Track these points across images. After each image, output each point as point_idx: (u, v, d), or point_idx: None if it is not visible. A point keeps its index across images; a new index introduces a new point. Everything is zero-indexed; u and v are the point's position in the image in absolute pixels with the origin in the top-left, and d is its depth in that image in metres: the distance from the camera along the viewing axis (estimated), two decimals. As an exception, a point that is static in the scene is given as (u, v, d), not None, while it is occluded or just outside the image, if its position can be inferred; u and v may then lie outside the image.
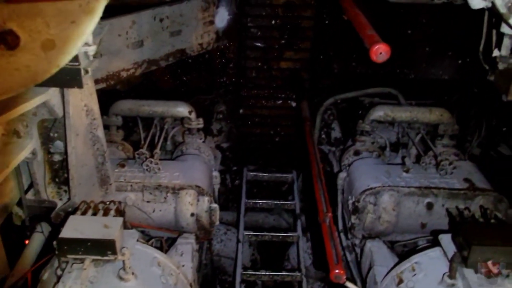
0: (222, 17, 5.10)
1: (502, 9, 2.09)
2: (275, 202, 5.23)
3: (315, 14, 5.31)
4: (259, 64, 5.61)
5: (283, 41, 5.51)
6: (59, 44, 1.38)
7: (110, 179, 3.70)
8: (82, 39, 1.72)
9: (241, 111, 5.82)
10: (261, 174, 5.62)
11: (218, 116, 5.60)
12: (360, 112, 5.28)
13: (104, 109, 4.55)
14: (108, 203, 3.24)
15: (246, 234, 4.74)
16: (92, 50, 2.47)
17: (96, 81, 4.14)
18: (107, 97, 5.11)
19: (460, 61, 5.44)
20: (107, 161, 3.61)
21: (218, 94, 5.70)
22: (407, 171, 4.04)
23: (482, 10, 2.33)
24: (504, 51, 2.42)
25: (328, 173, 5.02)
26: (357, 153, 4.48)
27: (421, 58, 5.55)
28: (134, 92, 5.71)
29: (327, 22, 5.37)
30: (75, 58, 2.41)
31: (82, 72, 2.51)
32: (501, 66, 2.43)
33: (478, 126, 5.12)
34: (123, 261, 2.87)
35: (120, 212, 3.22)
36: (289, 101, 5.77)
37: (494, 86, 2.61)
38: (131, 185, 3.86)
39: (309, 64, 5.55)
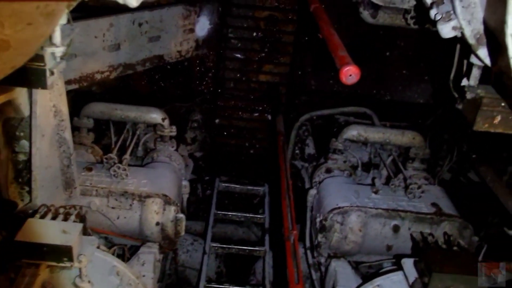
0: (203, 26, 5.08)
1: (471, 40, 2.11)
2: (245, 215, 5.19)
3: (295, 30, 5.33)
4: (238, 75, 5.59)
5: (263, 54, 5.51)
6: (14, 45, 1.33)
7: (75, 182, 3.62)
8: (40, 42, 1.67)
9: (217, 121, 5.79)
10: (233, 185, 5.58)
11: (193, 125, 5.55)
12: (335, 129, 5.28)
13: (77, 110, 4.49)
14: (69, 207, 3.17)
15: (213, 246, 4.69)
16: (59, 51, 2.41)
17: (69, 82, 4.07)
18: (81, 97, 5.04)
19: (435, 86, 5.51)
20: (73, 164, 3.53)
21: (194, 103, 5.66)
22: (376, 192, 4.05)
23: (455, 38, 2.35)
24: (473, 81, 2.44)
25: (299, 189, 5.01)
26: (328, 171, 4.48)
27: (398, 80, 5.60)
28: (110, 95, 5.63)
29: (306, 38, 5.39)
30: (41, 59, 2.36)
31: (48, 73, 2.45)
32: (469, 96, 2.45)
33: (449, 151, 5.16)
34: (80, 269, 2.81)
35: (81, 218, 3.15)
36: (265, 114, 5.76)
37: (462, 115, 2.63)
38: (97, 190, 3.78)
39: (287, 79, 5.56)
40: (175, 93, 5.77)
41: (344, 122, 5.26)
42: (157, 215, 3.77)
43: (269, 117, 5.71)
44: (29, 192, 3.44)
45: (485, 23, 2.01)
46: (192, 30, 4.97)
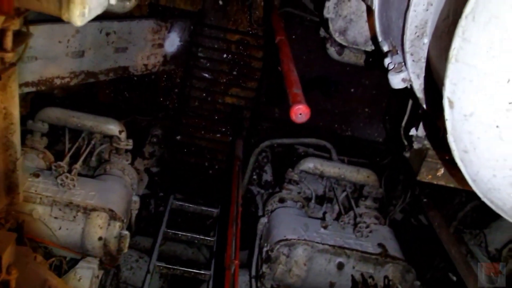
0: (172, 42, 5.05)
1: (419, 94, 2.15)
2: (195, 236, 5.12)
3: (264, 57, 5.37)
4: (204, 95, 5.58)
5: (231, 77, 5.52)
6: None
7: (19, 188, 3.49)
8: None
9: (178, 137, 5.73)
10: (187, 204, 5.51)
11: (153, 139, 5.48)
12: (294, 159, 5.31)
13: (35, 112, 4.38)
14: (6, 214, 3.06)
15: (158, 265, 4.60)
16: (9, 57, 2.35)
17: (26, 84, 3.98)
18: (41, 100, 4.92)
19: (395, 127, 5.61)
20: (18, 169, 3.41)
21: (156, 117, 5.60)
22: (325, 227, 4.06)
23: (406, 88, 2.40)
24: (421, 132, 2.49)
25: (252, 215, 4.99)
26: (282, 200, 4.48)
27: (359, 117, 5.70)
28: (71, 100, 5.53)
29: (273, 66, 5.44)
30: (-13, 63, 2.29)
31: (-6, 77, 2.37)
32: (415, 145, 2.49)
33: (404, 192, 5.24)
34: (9, 281, 2.69)
35: (17, 226, 3.05)
36: (228, 136, 5.74)
37: (408, 163, 2.68)
38: (41, 198, 3.67)
39: (252, 104, 5.57)
40: (138, 105, 5.71)
41: (303, 152, 5.29)
42: (101, 229, 3.67)
43: (231, 139, 5.70)
44: (-31, 194, 3.31)
45: (432, 79, 2.06)
46: (161, 45, 4.94)
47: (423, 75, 2.10)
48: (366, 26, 3.33)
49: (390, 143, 5.42)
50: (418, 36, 2.03)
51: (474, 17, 1.40)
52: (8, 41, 2.27)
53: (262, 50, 5.37)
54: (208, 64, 5.45)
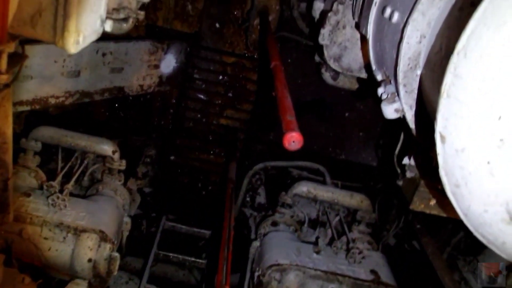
0: (168, 63, 5.08)
1: (411, 125, 2.16)
2: (186, 258, 5.07)
3: (259, 80, 5.41)
4: (199, 116, 5.59)
5: (226, 99, 5.53)
6: None
7: (9, 207, 3.45)
8: None
9: (172, 158, 5.72)
10: (179, 225, 5.47)
11: (146, 160, 5.47)
12: (288, 181, 5.30)
13: (29, 129, 4.36)
14: (-5, 235, 3.02)
15: (148, 288, 4.54)
16: (3, 79, 2.34)
17: (20, 103, 3.98)
18: (35, 117, 4.91)
19: (387, 151, 5.63)
20: (9, 189, 3.38)
21: (150, 137, 5.59)
22: (318, 252, 4.03)
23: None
24: (413, 161, 2.49)
25: (245, 237, 4.95)
26: (274, 224, 4.45)
27: (353, 141, 5.71)
28: (66, 118, 5.52)
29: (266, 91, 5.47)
30: (-20, 84, 2.28)
31: (-14, 99, 2.36)
32: (408, 174, 2.50)
33: (397, 217, 5.23)
34: (-6, 304, 2.65)
35: (6, 247, 3.01)
36: (221, 158, 5.73)
37: (401, 191, 2.68)
38: (31, 218, 3.63)
39: (247, 126, 5.58)
40: (133, 125, 5.70)
41: (297, 176, 5.28)
42: (91, 251, 3.63)
43: (225, 160, 5.69)
44: (-42, 213, 3.27)
45: (424, 109, 2.07)
46: (157, 66, 4.96)
47: (415, 106, 2.11)
48: (360, 54, 3.37)
49: (383, 169, 5.43)
50: (411, 67, 2.05)
51: (466, 54, 1.42)
52: (3, 63, 2.26)
53: (257, 72, 5.40)
54: (204, 86, 5.47)
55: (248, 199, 5.50)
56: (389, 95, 2.23)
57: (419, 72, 2.04)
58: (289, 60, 5.27)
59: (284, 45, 5.21)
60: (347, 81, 4.08)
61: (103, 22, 1.98)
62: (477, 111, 1.42)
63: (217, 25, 5.40)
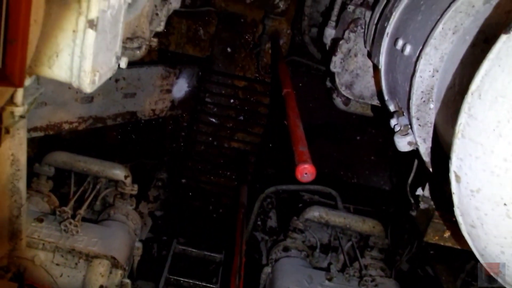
0: (180, 88, 5.12)
1: (425, 158, 2.15)
2: (197, 282, 5.04)
3: (271, 103, 5.43)
4: (210, 139, 5.61)
5: (237, 122, 5.55)
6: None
7: (22, 234, 3.47)
8: None
9: (183, 181, 5.73)
10: (190, 249, 5.44)
11: (158, 183, 5.47)
12: (300, 205, 5.27)
13: (42, 152, 4.41)
14: (8, 262, 3.04)
15: (158, 313, 4.51)
16: (19, 110, 2.37)
17: (34, 129, 4.02)
18: (48, 142, 4.96)
19: (400, 176, 5.59)
20: (22, 215, 3.41)
21: (162, 161, 5.61)
22: (330, 280, 3.99)
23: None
24: (427, 192, 2.47)
25: (256, 262, 4.91)
26: (286, 249, 4.41)
27: (365, 165, 5.68)
28: (79, 141, 5.57)
29: (278, 112, 5.48)
30: (-3, 117, 2.31)
31: (3, 131, 2.40)
32: (422, 206, 2.47)
33: (410, 242, 5.16)
34: (6, 333, 2.65)
35: (18, 275, 3.02)
36: (233, 181, 5.73)
37: (415, 222, 2.65)
38: (44, 244, 3.64)
39: (258, 149, 5.59)
40: (145, 148, 5.73)
41: (309, 199, 5.25)
42: (102, 277, 3.62)
43: (236, 184, 5.69)
44: (-28, 240, 3.29)
45: (438, 142, 2.06)
46: (169, 91, 5.00)
47: (429, 139, 2.10)
48: (372, 81, 3.37)
49: (395, 193, 5.38)
50: (424, 101, 2.05)
51: (480, 95, 1.41)
52: (19, 95, 2.30)
53: (269, 96, 5.42)
54: (215, 109, 5.51)
55: (259, 222, 5.47)
56: (402, 127, 2.22)
57: (432, 106, 2.04)
58: (300, 84, 5.29)
59: (295, 69, 5.24)
60: (358, 106, 4.08)
61: (118, 59, 2.00)
62: (492, 152, 1.40)
63: (229, 49, 5.45)
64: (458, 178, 1.51)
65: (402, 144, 2.17)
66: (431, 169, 2.16)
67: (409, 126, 2.20)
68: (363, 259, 4.37)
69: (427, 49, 1.99)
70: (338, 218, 4.49)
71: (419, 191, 2.52)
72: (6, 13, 1.33)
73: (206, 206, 5.88)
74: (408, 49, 2.20)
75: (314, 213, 4.49)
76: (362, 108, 4.11)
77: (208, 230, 5.87)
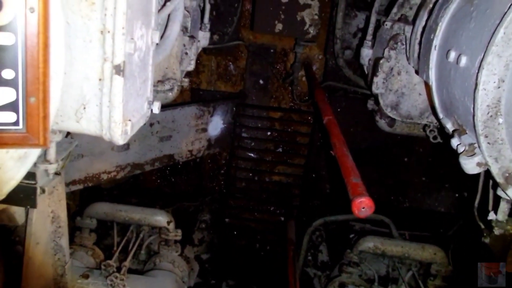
0: (216, 126, 5.01)
1: (499, 179, 1.90)
2: (251, 327, 4.80)
3: (311, 132, 5.23)
4: (250, 175, 5.44)
5: (277, 155, 5.38)
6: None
7: (68, 293, 3.36)
8: (11, 184, 1.53)
9: (226, 220, 5.56)
10: (240, 291, 5.23)
11: (201, 225, 5.31)
12: (351, 236, 4.99)
13: (83, 205, 4.34)
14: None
15: None
16: (53, 168, 2.27)
17: (73, 182, 3.95)
18: (89, 192, 4.91)
19: (457, 195, 5.25)
20: (67, 273, 3.29)
21: (203, 202, 5.47)
22: (394, 315, 3.69)
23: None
24: (501, 216, 2.20)
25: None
26: (342, 285, 4.15)
27: (416, 187, 5.37)
28: (118, 189, 5.51)
29: (322, 141, 5.27)
30: (32, 176, 2.21)
31: (38, 191, 2.30)
32: (497, 231, 2.21)
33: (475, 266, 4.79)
34: None
35: None
36: (277, 216, 5.52)
37: (490, 250, 2.37)
38: (91, 301, 3.51)
39: (301, 181, 5.38)
40: (184, 190, 5.62)
41: (360, 229, 4.97)
42: (153, 332, 3.45)
43: (282, 218, 5.48)
44: (19, 303, 3.19)
45: (514, 162, 1.82)
46: (204, 130, 4.89)
47: (502, 158, 1.86)
48: (420, 99, 3.14)
49: (453, 214, 5.04)
50: (491, 116, 1.82)
51: None
52: (52, 152, 2.21)
53: (308, 125, 5.24)
54: (253, 144, 5.36)
55: (310, 257, 5.21)
56: (467, 147, 1.99)
57: (501, 120, 1.81)
58: (338, 110, 5.08)
59: (332, 94, 5.05)
60: (405, 127, 3.84)
61: (150, 104, 1.87)
62: None
63: (261, 81, 5.33)
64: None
65: (470, 166, 1.93)
66: (507, 191, 1.91)
67: (475, 144, 1.96)
68: (427, 290, 4.06)
69: (489, 58, 1.77)
70: (395, 247, 4.20)
71: (491, 216, 2.26)
72: (22, 67, 1.22)
73: (252, 244, 5.67)
74: (463, 60, 1.98)
75: (369, 244, 4.22)
76: (408, 128, 3.87)
77: (256, 269, 5.65)
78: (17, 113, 1.27)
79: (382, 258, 4.53)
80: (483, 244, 2.52)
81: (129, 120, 1.59)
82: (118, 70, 1.45)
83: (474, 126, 1.88)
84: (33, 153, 1.51)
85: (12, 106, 1.27)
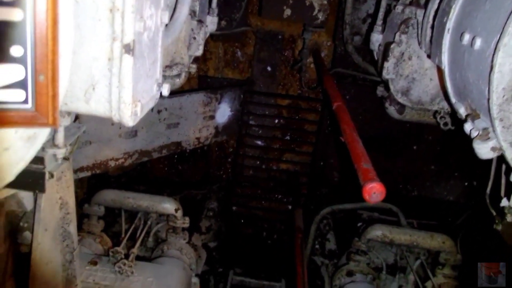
0: (223, 113, 4.98)
1: (515, 164, 1.86)
2: (258, 314, 4.81)
3: (319, 120, 5.19)
4: (258, 163, 5.42)
5: (285, 142, 5.35)
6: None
7: (76, 279, 3.35)
8: (20, 165, 1.51)
9: (234, 208, 5.55)
10: (247, 279, 5.23)
11: (209, 213, 5.31)
12: (359, 224, 4.97)
13: (90, 192, 4.34)
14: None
15: None
16: (61, 153, 2.26)
17: (81, 169, 3.95)
18: (96, 180, 4.91)
19: (466, 183, 5.21)
20: (75, 260, 3.29)
21: (211, 190, 5.46)
22: (403, 303, 3.67)
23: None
24: (515, 202, 2.17)
25: (318, 288, 4.64)
26: (350, 274, 4.13)
27: (425, 176, 5.33)
28: (126, 177, 5.51)
29: (330, 128, 5.23)
30: (41, 161, 2.20)
31: (47, 176, 2.28)
32: (509, 218, 2.17)
33: (487, 257, 4.76)
34: None
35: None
36: (285, 204, 5.50)
37: (501, 237, 2.34)
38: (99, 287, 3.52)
39: (309, 169, 5.35)
40: (192, 178, 5.61)
41: (368, 218, 4.95)
42: (161, 318, 3.46)
43: (289, 207, 5.46)
44: (26, 289, 3.20)
45: (530, 146, 1.78)
46: (212, 117, 4.87)
47: (519, 142, 1.82)
48: (431, 84, 3.09)
49: (463, 202, 4.99)
50: (507, 99, 1.78)
51: None
52: (60, 136, 2.19)
53: (316, 113, 5.20)
54: (260, 131, 5.33)
55: (317, 246, 5.19)
56: (481, 132, 1.95)
57: (517, 103, 1.77)
58: (347, 97, 5.04)
59: (340, 80, 5.00)
60: (415, 114, 3.78)
61: (160, 86, 1.85)
62: None
63: (269, 68, 5.29)
64: None
65: (484, 150, 1.89)
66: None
67: (490, 129, 1.92)
68: (435, 278, 4.03)
69: (505, 39, 1.73)
70: (403, 235, 4.17)
71: (504, 202, 2.22)
72: (31, 44, 1.19)
73: (260, 232, 5.67)
74: (478, 42, 1.94)
75: (377, 232, 4.19)
76: (418, 115, 3.81)
77: (263, 257, 5.65)
78: (26, 91, 1.25)
79: (390, 246, 4.50)
80: (492, 233, 2.49)
81: (139, 101, 1.57)
82: (128, 49, 1.42)
83: (489, 110, 1.85)
84: (42, 134, 1.49)
85: (21, 84, 1.25)
